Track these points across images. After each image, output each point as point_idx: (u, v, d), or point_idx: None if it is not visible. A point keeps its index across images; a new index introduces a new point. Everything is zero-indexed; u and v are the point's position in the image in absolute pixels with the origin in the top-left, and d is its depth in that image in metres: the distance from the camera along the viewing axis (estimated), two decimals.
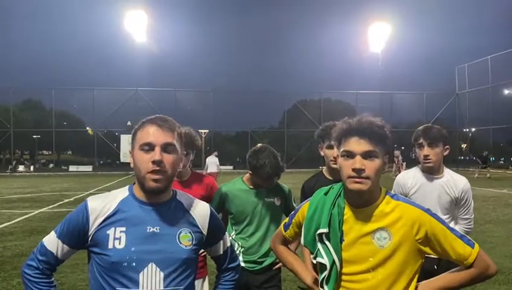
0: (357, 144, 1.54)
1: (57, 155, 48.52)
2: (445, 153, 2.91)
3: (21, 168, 38.32)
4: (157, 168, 1.46)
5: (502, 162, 43.89)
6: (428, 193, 2.88)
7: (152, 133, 1.49)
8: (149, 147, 1.48)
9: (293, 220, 1.79)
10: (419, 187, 2.92)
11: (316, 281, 1.73)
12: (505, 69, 38.78)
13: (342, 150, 1.58)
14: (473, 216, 2.96)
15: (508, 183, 20.94)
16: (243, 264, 2.82)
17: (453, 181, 2.89)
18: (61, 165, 42.78)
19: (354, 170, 1.52)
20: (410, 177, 2.99)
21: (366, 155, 1.52)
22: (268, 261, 2.93)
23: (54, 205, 12.96)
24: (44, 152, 54.03)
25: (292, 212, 1.84)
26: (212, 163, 16.63)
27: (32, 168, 39.95)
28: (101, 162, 46.22)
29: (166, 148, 1.49)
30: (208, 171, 15.94)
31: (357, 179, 1.51)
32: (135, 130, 1.55)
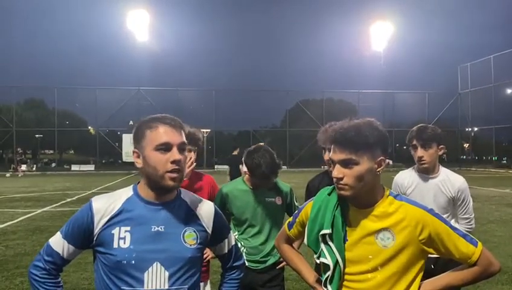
0: (334, 153, 1.58)
1: (59, 154, 48.73)
2: (440, 153, 2.90)
3: (23, 167, 38.38)
4: (177, 167, 1.48)
5: (505, 161, 43.78)
6: (424, 193, 2.89)
7: (167, 133, 1.50)
8: (166, 147, 1.49)
9: (297, 219, 1.79)
10: (416, 187, 2.93)
11: (319, 280, 1.74)
12: (507, 68, 38.76)
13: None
14: (473, 215, 2.95)
15: (510, 183, 20.88)
16: (245, 263, 2.82)
17: (449, 181, 2.89)
18: (63, 164, 43.01)
19: (334, 177, 1.57)
20: (406, 177, 3.01)
21: (343, 163, 1.55)
22: (271, 260, 2.93)
23: (57, 204, 12.99)
24: (47, 151, 54.19)
25: (296, 211, 1.85)
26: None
27: (34, 167, 40.06)
28: (103, 161, 46.37)
29: (181, 147, 1.52)
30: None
31: (338, 186, 1.57)
32: (143, 130, 1.52)
